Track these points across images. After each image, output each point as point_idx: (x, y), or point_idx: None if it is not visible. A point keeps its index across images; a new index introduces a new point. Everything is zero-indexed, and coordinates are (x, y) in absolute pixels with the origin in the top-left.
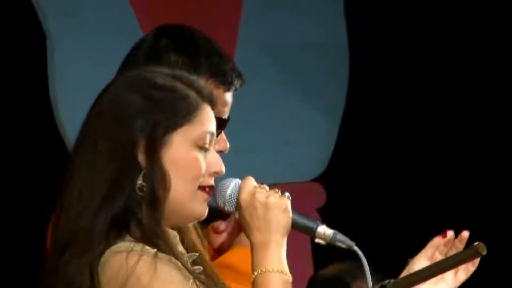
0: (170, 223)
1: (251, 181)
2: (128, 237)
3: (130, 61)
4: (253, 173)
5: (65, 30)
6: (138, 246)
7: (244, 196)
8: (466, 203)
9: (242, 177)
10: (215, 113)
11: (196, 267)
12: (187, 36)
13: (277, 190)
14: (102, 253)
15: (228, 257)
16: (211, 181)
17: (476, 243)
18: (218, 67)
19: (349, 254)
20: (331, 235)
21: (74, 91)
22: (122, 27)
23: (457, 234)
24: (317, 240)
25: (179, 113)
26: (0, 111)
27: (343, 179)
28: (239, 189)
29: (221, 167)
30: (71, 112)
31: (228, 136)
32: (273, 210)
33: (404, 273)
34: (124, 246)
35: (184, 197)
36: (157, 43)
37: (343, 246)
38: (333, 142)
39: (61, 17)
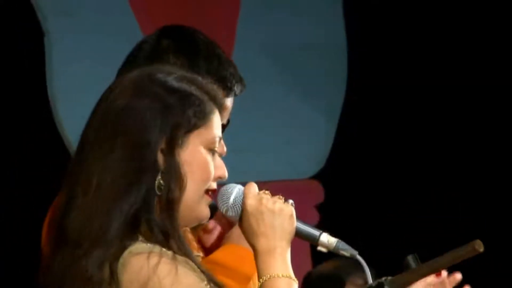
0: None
1: (255, 187)
2: (141, 237)
3: (130, 62)
4: (252, 172)
5: (63, 29)
6: (157, 248)
7: (250, 201)
8: (464, 201)
9: (241, 176)
10: None
11: None
12: (188, 39)
13: (280, 196)
14: (119, 253)
15: (218, 254)
16: (215, 185)
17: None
18: (217, 72)
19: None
20: (334, 244)
21: (73, 91)
22: (121, 27)
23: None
24: (319, 248)
25: (197, 115)
26: (3, 107)
27: (341, 176)
28: (244, 194)
29: (225, 172)
30: (69, 111)
31: (227, 136)
32: (280, 217)
33: None
34: (142, 247)
35: (193, 199)
36: (158, 44)
37: (346, 254)
38: (332, 141)
39: (60, 16)
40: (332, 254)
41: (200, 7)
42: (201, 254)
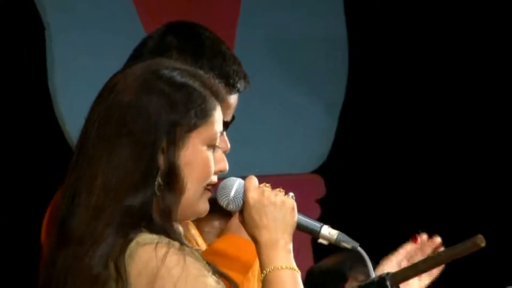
0: (175, 219)
1: (255, 180)
2: (145, 231)
3: (135, 58)
4: (253, 166)
5: (64, 24)
6: (164, 239)
7: (253, 194)
8: (466, 192)
9: (242, 170)
10: None
11: None
12: (193, 35)
13: (281, 189)
14: (125, 246)
15: (218, 245)
16: (215, 179)
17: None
18: (220, 69)
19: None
20: (335, 236)
21: (74, 85)
22: (122, 22)
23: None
24: (320, 241)
25: (198, 115)
26: (3, 107)
27: (342, 171)
28: (245, 187)
29: (225, 165)
30: (70, 105)
31: (229, 129)
32: (282, 209)
33: (378, 272)
34: (149, 238)
35: (193, 196)
36: (163, 40)
37: (347, 246)
38: (333, 135)
39: (60, 10)
40: (334, 249)
41: (201, 1)
42: (203, 246)
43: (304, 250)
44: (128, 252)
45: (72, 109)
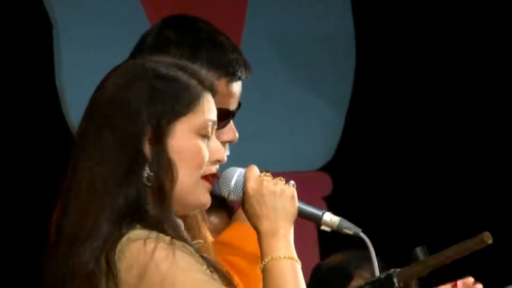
0: (175, 212)
1: (256, 170)
2: (139, 226)
3: (135, 55)
4: (259, 162)
5: (71, 19)
6: (154, 234)
7: (252, 184)
8: (473, 187)
9: (247, 165)
10: (219, 104)
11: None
12: (189, 28)
13: (281, 178)
14: (117, 241)
15: (226, 235)
16: (213, 169)
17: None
18: (218, 59)
19: (354, 242)
20: (337, 222)
21: (81, 81)
22: (128, 16)
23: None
24: (323, 227)
25: (182, 103)
26: (2, 108)
27: (349, 168)
28: (245, 177)
29: (223, 155)
30: (77, 100)
31: (236, 127)
32: (281, 198)
33: None
34: (140, 233)
35: (188, 186)
36: (160, 35)
37: (349, 232)
38: (340, 132)
39: (67, 5)
40: (340, 246)
41: None
42: (209, 239)
43: (311, 245)
44: (119, 247)
45: (80, 106)
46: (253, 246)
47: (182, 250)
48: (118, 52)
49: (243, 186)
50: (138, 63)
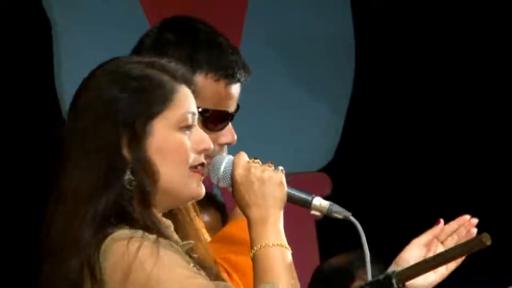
0: (168, 206)
1: (244, 156)
2: (126, 227)
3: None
4: None
5: (71, 19)
6: (139, 233)
7: (239, 171)
8: (472, 188)
9: None
10: (218, 106)
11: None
12: (188, 30)
13: (270, 164)
14: (100, 242)
15: (225, 231)
16: (202, 159)
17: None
18: (217, 60)
19: (354, 244)
20: (327, 206)
21: (80, 80)
22: (128, 17)
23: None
24: (313, 212)
25: (156, 101)
26: (2, 108)
27: (349, 170)
28: (233, 164)
29: (209, 144)
30: None
31: (235, 128)
32: (269, 184)
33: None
34: (124, 233)
35: (178, 181)
36: (159, 37)
37: (339, 217)
38: (339, 134)
39: (67, 6)
40: (341, 248)
41: None
42: (204, 236)
43: (310, 244)
44: (103, 248)
45: None
46: None
47: (167, 248)
48: (118, 53)
49: (231, 174)
50: (112, 67)
